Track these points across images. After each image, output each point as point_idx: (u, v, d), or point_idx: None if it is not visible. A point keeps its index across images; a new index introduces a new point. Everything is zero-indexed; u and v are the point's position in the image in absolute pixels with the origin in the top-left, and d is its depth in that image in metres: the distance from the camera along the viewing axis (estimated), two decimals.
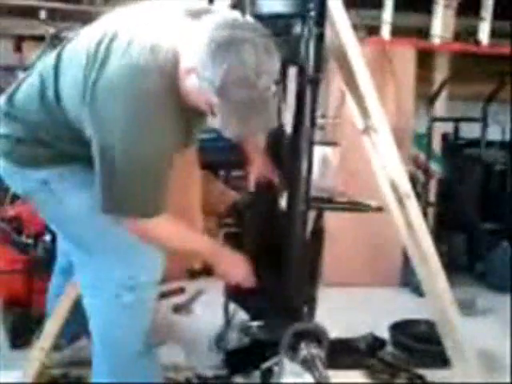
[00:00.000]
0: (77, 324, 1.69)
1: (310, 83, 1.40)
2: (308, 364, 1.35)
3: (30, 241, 2.18)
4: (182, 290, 2.67)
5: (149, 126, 1.30)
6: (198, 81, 1.28)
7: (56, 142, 1.45)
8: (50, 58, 1.47)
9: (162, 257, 1.52)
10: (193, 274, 2.85)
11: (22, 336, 2.01)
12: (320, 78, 1.41)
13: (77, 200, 1.45)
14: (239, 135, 1.41)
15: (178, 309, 2.50)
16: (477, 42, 3.17)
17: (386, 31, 3.07)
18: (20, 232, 2.23)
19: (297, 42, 1.42)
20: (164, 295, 2.57)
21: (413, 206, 1.67)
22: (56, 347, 1.80)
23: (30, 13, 3.32)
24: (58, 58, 1.45)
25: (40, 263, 2.13)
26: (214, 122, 1.33)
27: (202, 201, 2.76)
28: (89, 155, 1.38)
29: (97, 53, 1.34)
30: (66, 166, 1.46)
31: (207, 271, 2.92)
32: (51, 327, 1.74)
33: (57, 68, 1.43)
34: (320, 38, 1.41)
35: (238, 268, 1.59)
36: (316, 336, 1.37)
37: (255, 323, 1.72)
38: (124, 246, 1.47)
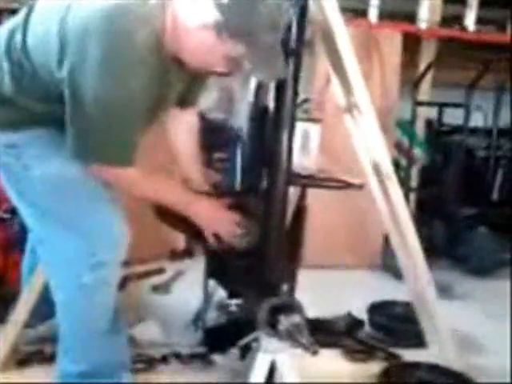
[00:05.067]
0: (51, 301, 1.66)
1: (293, 55, 1.38)
2: (293, 334, 1.34)
3: (6, 216, 2.14)
4: (161, 271, 2.65)
5: (123, 72, 1.27)
6: (214, 33, 1.26)
7: (22, 100, 1.40)
8: (20, 14, 1.43)
9: (126, 235, 1.48)
10: (174, 255, 2.84)
11: None
12: (302, 50, 1.39)
13: (43, 168, 1.41)
14: (269, 78, 1.42)
15: (157, 288, 2.49)
16: (463, 29, 3.17)
17: (373, 14, 3.05)
18: None
19: None
20: (144, 275, 2.56)
21: (393, 185, 1.68)
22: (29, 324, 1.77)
23: None
24: (29, 10, 1.41)
25: (17, 239, 2.10)
26: None
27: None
28: (57, 116, 1.34)
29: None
30: (35, 130, 1.42)
31: (189, 252, 2.92)
32: (25, 302, 1.71)
33: (26, 19, 1.39)
34: (303, 9, 1.39)
35: (218, 214, 1.56)
36: (292, 310, 1.37)
37: (233, 301, 1.71)
38: (86, 223, 1.43)
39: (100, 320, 1.50)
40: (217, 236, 1.60)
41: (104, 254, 1.45)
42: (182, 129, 1.70)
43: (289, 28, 1.39)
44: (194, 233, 1.64)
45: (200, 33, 1.28)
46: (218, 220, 1.58)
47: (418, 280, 1.82)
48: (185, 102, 1.63)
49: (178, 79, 1.44)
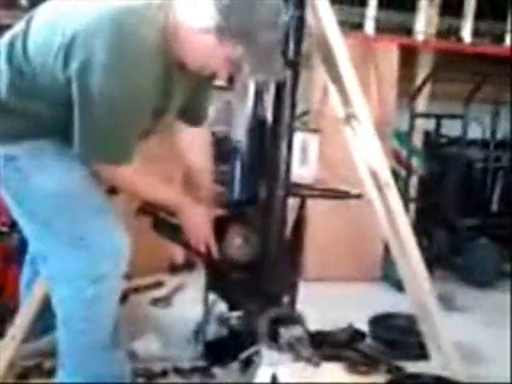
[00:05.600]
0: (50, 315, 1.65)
1: (290, 66, 1.39)
2: (294, 346, 1.33)
3: (5, 229, 2.13)
4: (160, 284, 2.64)
5: (130, 71, 1.29)
6: (215, 37, 1.28)
7: (21, 107, 1.40)
8: (19, 24, 1.44)
9: (128, 247, 1.48)
10: (173, 268, 2.83)
11: None
12: (300, 61, 1.40)
13: (43, 180, 1.41)
14: (268, 79, 1.43)
15: (156, 302, 2.47)
16: (459, 40, 3.20)
17: (369, 27, 3.08)
18: None
19: None
20: (143, 289, 2.55)
21: (393, 194, 1.67)
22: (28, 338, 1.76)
23: (11, 2, 3.27)
24: (29, 19, 1.42)
25: (15, 252, 2.09)
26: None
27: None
28: (57, 120, 1.36)
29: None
30: (35, 142, 1.41)
31: (188, 265, 2.91)
32: (23, 317, 1.70)
33: (27, 28, 1.40)
34: (300, 20, 1.40)
35: (205, 224, 1.58)
36: (293, 322, 1.36)
37: (233, 314, 1.70)
38: (87, 235, 1.43)
39: (101, 333, 1.49)
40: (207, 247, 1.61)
41: (105, 267, 1.44)
42: (195, 146, 1.71)
43: (286, 40, 1.40)
44: (191, 245, 1.64)
45: (200, 35, 1.30)
46: (203, 229, 1.59)
47: (419, 289, 1.81)
48: (192, 117, 1.64)
49: (181, 85, 1.45)
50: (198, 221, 1.59)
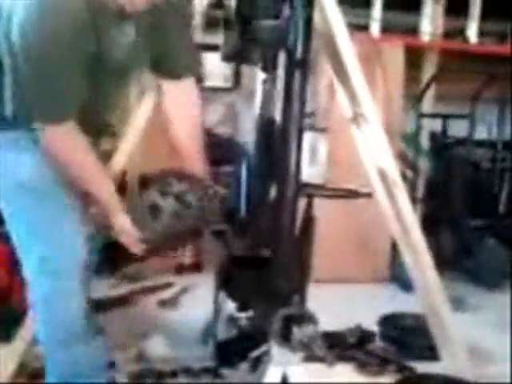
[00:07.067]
0: None
1: (299, 66, 1.39)
2: (307, 345, 1.32)
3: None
4: (169, 285, 2.64)
5: (48, 20, 1.25)
6: None
7: None
8: None
9: (86, 250, 1.45)
10: (180, 269, 2.83)
11: (3, 329, 1.96)
12: (309, 61, 1.40)
13: (16, 172, 1.40)
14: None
15: (164, 303, 2.47)
16: (465, 40, 3.20)
17: (375, 28, 3.09)
18: (1, 222, 2.16)
19: (286, 25, 1.41)
20: (151, 290, 2.55)
21: (401, 193, 1.67)
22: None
23: None
24: None
25: None
26: None
27: None
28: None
29: None
30: (12, 132, 1.39)
31: (195, 267, 2.91)
32: (32, 318, 1.70)
33: None
34: (308, 20, 1.40)
35: (129, 230, 1.47)
36: (305, 321, 1.35)
37: (243, 314, 1.69)
38: (50, 230, 1.42)
39: (61, 329, 1.46)
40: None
41: (62, 264, 1.43)
42: (178, 103, 1.55)
43: (295, 39, 1.40)
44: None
45: None
46: (132, 234, 1.49)
47: (428, 289, 1.80)
48: (168, 68, 1.52)
49: (124, 30, 1.37)
50: (127, 226, 1.47)
